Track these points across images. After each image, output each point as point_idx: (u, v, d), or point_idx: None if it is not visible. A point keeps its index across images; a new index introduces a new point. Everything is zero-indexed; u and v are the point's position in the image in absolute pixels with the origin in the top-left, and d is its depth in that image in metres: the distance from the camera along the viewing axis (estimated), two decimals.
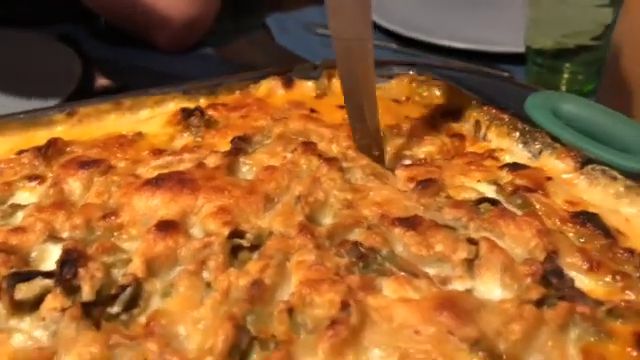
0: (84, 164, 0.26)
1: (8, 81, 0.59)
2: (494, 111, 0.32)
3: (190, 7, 0.64)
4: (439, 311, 0.19)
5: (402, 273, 0.21)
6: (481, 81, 0.34)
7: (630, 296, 0.21)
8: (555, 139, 0.30)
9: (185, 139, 0.30)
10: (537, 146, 0.30)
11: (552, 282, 0.21)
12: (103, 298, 0.20)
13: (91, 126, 0.30)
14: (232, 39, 0.72)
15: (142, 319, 0.20)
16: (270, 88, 0.33)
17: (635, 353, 0.19)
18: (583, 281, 0.22)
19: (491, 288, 0.21)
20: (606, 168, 0.27)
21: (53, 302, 0.19)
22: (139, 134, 0.30)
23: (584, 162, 0.28)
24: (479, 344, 0.19)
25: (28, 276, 0.20)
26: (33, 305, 0.20)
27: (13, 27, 0.68)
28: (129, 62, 0.63)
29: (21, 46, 0.65)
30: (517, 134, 0.31)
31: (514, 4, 0.59)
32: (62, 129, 0.30)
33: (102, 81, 0.59)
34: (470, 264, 0.22)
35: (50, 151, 0.27)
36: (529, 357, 0.19)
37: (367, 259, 0.21)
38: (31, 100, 0.53)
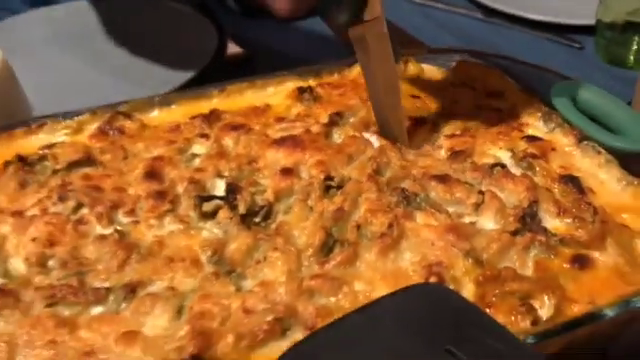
0: (234, 127, 0.40)
1: (153, 47, 0.67)
2: (526, 95, 0.42)
3: None
4: (448, 233, 0.31)
5: (431, 209, 0.34)
6: (521, 69, 0.44)
7: (580, 233, 0.32)
8: (566, 120, 0.40)
9: (298, 108, 0.43)
10: (552, 125, 0.40)
11: (527, 221, 0.32)
12: (251, 212, 0.34)
13: (235, 99, 0.44)
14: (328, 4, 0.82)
15: (273, 226, 0.33)
16: (360, 72, 0.46)
17: (567, 265, 0.30)
18: (552, 222, 0.33)
19: (487, 222, 0.33)
20: (595, 145, 0.37)
21: (224, 214, 0.33)
22: (267, 105, 0.43)
23: (582, 139, 0.38)
24: (470, 254, 0.31)
25: (208, 198, 0.35)
26: (212, 214, 0.34)
27: None
28: (255, 32, 0.72)
29: (162, 14, 0.73)
30: (539, 114, 0.41)
31: None
32: (217, 101, 0.43)
33: (233, 49, 0.73)
34: (477, 206, 0.34)
35: (212, 118, 0.41)
36: (501, 263, 0.31)
37: (409, 199, 0.34)
38: (175, 65, 0.62)
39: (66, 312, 0.29)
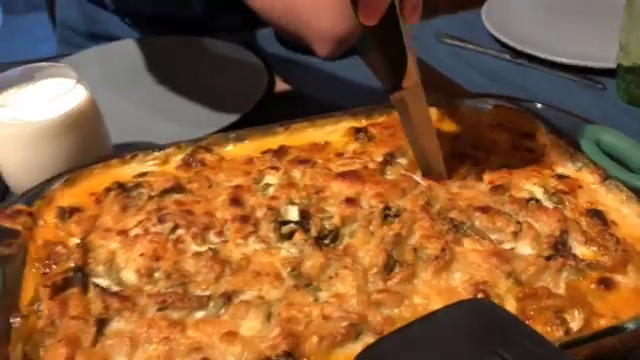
0: (300, 161, 0.46)
1: (205, 84, 0.73)
2: (556, 137, 0.48)
3: (341, 23, 0.73)
4: (492, 257, 0.37)
5: (476, 236, 0.39)
6: (552, 113, 0.50)
7: (605, 259, 0.37)
8: (591, 160, 0.46)
9: (354, 146, 0.49)
10: (579, 164, 0.46)
11: (558, 248, 0.38)
12: (322, 235, 0.40)
13: (298, 136, 0.50)
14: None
15: (341, 247, 0.39)
16: None
17: (594, 286, 0.36)
18: (580, 249, 0.38)
19: (524, 248, 0.39)
20: (618, 183, 0.43)
21: (299, 236, 0.39)
22: (327, 142, 0.49)
23: (606, 177, 0.44)
24: (511, 275, 0.36)
25: (285, 222, 0.41)
26: (289, 236, 0.40)
27: (194, 33, 0.83)
28: (302, 69, 0.78)
29: (214, 53, 0.79)
30: (568, 155, 0.47)
31: (613, 26, 0.71)
32: (282, 137, 0.50)
33: (281, 85, 0.80)
34: (515, 234, 0.39)
35: (280, 153, 0.47)
36: (537, 283, 0.36)
37: (457, 227, 0.40)
38: (228, 101, 0.67)
39: (175, 315, 0.35)
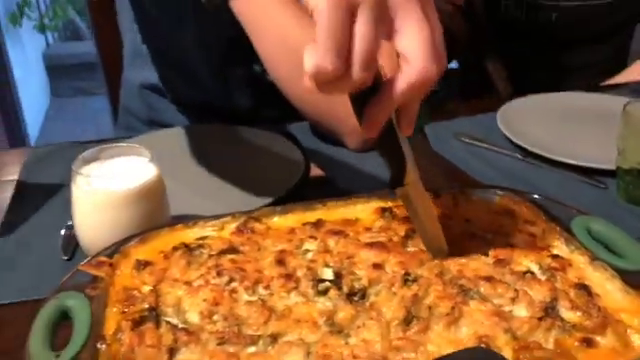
0: (334, 232, 0.55)
1: (248, 168, 0.83)
2: (553, 224, 0.57)
3: None
4: (493, 316, 0.45)
5: (481, 300, 0.47)
6: (550, 204, 0.59)
7: (588, 323, 0.45)
8: (582, 244, 0.54)
9: (381, 222, 0.58)
10: (572, 247, 0.53)
11: (549, 311, 0.45)
12: (352, 293, 0.48)
13: (333, 212, 0.59)
14: None
15: (367, 303, 0.47)
16: None
17: (577, 343, 0.43)
18: (567, 314, 0.46)
19: (520, 311, 0.46)
20: (604, 264, 0.51)
21: (333, 292, 0.48)
22: (357, 218, 0.58)
23: (594, 259, 0.52)
24: (508, 331, 0.44)
25: (322, 281, 0.49)
26: (324, 292, 0.48)
27: (241, 122, 0.93)
28: (335, 156, 0.88)
29: (256, 140, 0.90)
30: (562, 239, 0.55)
31: (613, 133, 0.80)
32: (320, 212, 0.59)
33: (316, 171, 0.90)
34: (513, 300, 0.47)
35: (318, 225, 0.56)
36: (530, 338, 0.43)
37: (465, 292, 0.47)
38: (266, 184, 0.75)
39: (231, 349, 0.43)
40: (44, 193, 0.83)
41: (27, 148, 1.08)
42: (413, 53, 0.41)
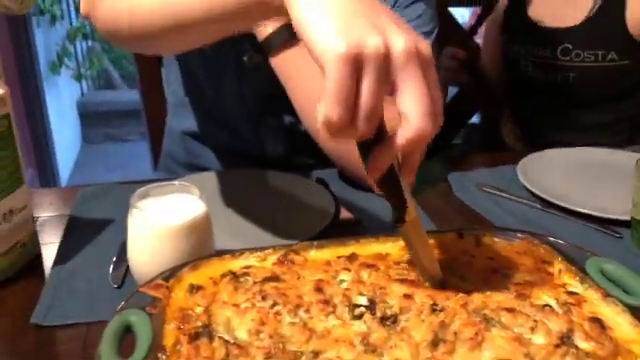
0: (367, 265, 0.60)
1: (282, 210, 0.89)
2: (569, 264, 0.61)
3: None
4: (514, 341, 0.49)
5: (502, 328, 0.52)
6: (565, 247, 0.64)
7: (600, 352, 0.49)
8: (596, 282, 0.58)
9: (408, 257, 0.64)
10: (586, 285, 0.58)
11: (565, 340, 0.50)
12: (384, 318, 0.53)
13: (366, 247, 0.65)
14: (423, 189, 1.06)
15: (398, 328, 0.52)
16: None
17: None
18: (582, 343, 0.50)
19: (539, 339, 0.51)
20: (616, 300, 0.55)
21: (368, 317, 0.53)
22: (387, 253, 0.64)
23: (606, 295, 0.56)
24: (527, 355, 0.48)
25: (357, 306, 0.55)
26: (359, 317, 0.53)
27: (276, 168, 1.01)
28: (362, 200, 0.94)
29: (290, 184, 0.97)
30: (578, 277, 0.59)
31: (628, 185, 0.86)
32: (353, 247, 0.64)
33: (345, 214, 0.96)
34: (532, 329, 0.52)
35: (352, 258, 0.62)
36: None
37: (488, 321, 0.52)
38: (299, 226, 0.81)
39: None
40: (95, 228, 0.90)
41: (66, 188, 1.15)
42: (410, 112, 0.46)
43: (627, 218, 0.88)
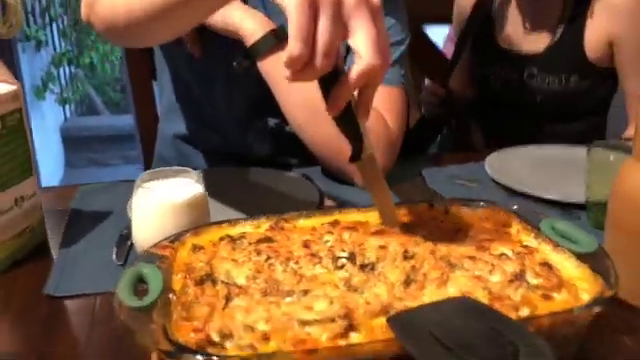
0: (348, 228, 0.69)
1: (268, 202, 0.96)
2: (525, 225, 0.70)
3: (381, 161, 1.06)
4: (474, 279, 0.58)
5: (464, 270, 0.60)
6: (524, 212, 0.73)
7: (548, 284, 0.58)
8: (548, 237, 0.67)
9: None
10: (539, 240, 0.67)
11: (518, 277, 0.59)
12: (363, 265, 0.62)
13: (347, 216, 0.73)
14: (400, 183, 1.15)
15: (376, 272, 0.61)
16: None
17: (539, 297, 0.56)
18: (532, 279, 0.59)
19: (495, 278, 0.59)
20: (564, 248, 0.64)
21: (349, 266, 0.61)
22: (367, 221, 0.71)
23: (556, 246, 0.65)
24: (485, 289, 0.57)
25: (339, 257, 0.63)
26: (341, 266, 0.62)
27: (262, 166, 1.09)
28: (345, 191, 1.03)
29: (275, 179, 1.04)
30: (532, 235, 0.68)
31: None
32: (337, 216, 0.72)
33: (328, 203, 1.04)
34: (490, 271, 0.60)
35: (334, 224, 0.70)
36: (502, 293, 0.56)
37: (452, 266, 0.61)
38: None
39: (271, 298, 0.56)
40: (96, 218, 0.97)
41: (64, 187, 1.23)
42: (362, 50, 0.53)
43: (583, 201, 0.97)
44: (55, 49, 4.15)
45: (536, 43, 1.45)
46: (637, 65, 1.39)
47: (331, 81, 0.57)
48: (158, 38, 0.90)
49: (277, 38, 1.00)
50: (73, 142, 4.55)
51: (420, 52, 1.74)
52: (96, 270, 0.82)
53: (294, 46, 0.52)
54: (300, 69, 0.54)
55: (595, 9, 1.38)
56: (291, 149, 1.18)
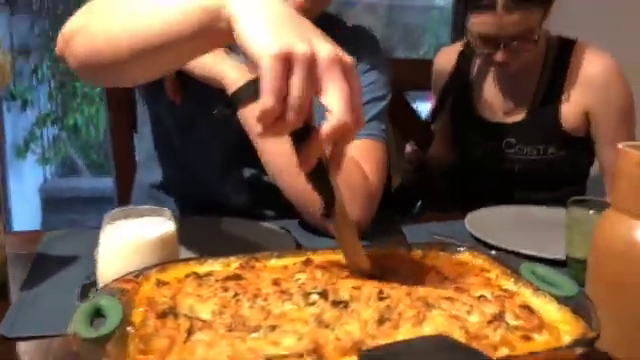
0: (321, 267, 0.66)
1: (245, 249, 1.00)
2: (504, 269, 0.68)
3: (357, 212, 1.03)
4: (451, 318, 0.55)
5: (442, 310, 0.57)
6: (502, 256, 0.71)
7: (528, 326, 0.55)
8: (529, 281, 0.65)
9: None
10: (520, 284, 0.64)
11: (497, 317, 0.56)
12: (336, 302, 0.59)
13: (321, 256, 0.70)
14: (380, 238, 1.12)
15: (349, 310, 0.58)
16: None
17: (518, 338, 0.53)
18: (512, 321, 0.56)
19: (474, 318, 0.57)
20: (545, 292, 0.62)
21: (321, 302, 0.58)
22: (341, 261, 0.70)
23: (537, 289, 0.63)
24: (462, 328, 0.54)
25: (311, 294, 0.60)
26: (312, 304, 0.59)
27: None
28: (320, 244, 1.00)
29: (251, 231, 1.02)
30: (512, 280, 0.66)
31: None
32: (310, 255, 0.70)
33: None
34: (469, 312, 0.57)
35: (307, 262, 0.67)
36: (484, 332, 0.53)
37: (429, 306, 0.58)
38: None
39: (237, 333, 0.52)
40: (61, 262, 0.93)
41: (30, 232, 1.19)
42: (334, 106, 0.54)
43: (563, 258, 0.95)
44: (40, 110, 4.16)
45: (514, 113, 1.48)
46: (612, 136, 1.41)
47: (302, 137, 0.57)
48: (133, 79, 0.90)
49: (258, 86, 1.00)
50: (53, 203, 4.48)
51: (402, 119, 1.77)
52: (56, 313, 0.77)
53: (266, 99, 0.53)
54: (272, 123, 0.54)
55: (571, 81, 1.42)
56: (269, 200, 1.16)
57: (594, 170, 1.56)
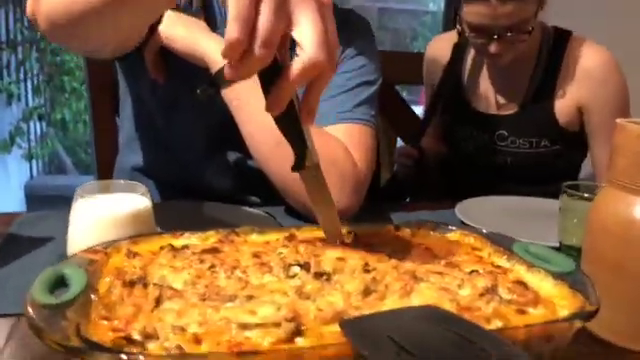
0: (304, 241, 0.62)
1: None
2: (497, 247, 0.65)
3: (343, 200, 0.98)
4: (440, 290, 0.52)
5: (430, 283, 0.54)
6: (494, 236, 0.67)
7: (522, 300, 0.51)
8: (522, 259, 0.62)
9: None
10: (513, 261, 0.61)
11: (489, 291, 0.52)
12: (318, 274, 0.55)
13: (305, 232, 0.67)
14: (367, 220, 1.09)
15: (332, 282, 0.54)
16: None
17: (512, 311, 0.49)
18: (505, 295, 0.53)
19: (465, 292, 0.53)
20: (539, 268, 0.58)
21: (302, 273, 0.54)
22: (323, 238, 0.66)
23: (531, 266, 0.59)
24: (453, 300, 0.50)
25: (291, 265, 0.56)
26: (293, 276, 0.55)
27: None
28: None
29: (234, 216, 0.96)
30: (505, 257, 0.63)
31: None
32: (295, 232, 0.66)
33: None
34: (460, 285, 0.54)
35: (290, 237, 0.63)
36: (476, 305, 0.50)
37: (417, 279, 0.55)
38: None
39: (210, 303, 0.49)
40: (33, 243, 0.88)
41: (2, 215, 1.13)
42: (305, 42, 0.49)
43: (557, 244, 0.92)
44: (27, 104, 4.10)
45: (507, 106, 1.45)
46: (606, 131, 1.38)
47: (272, 76, 0.52)
48: (102, 38, 0.85)
49: None
50: (37, 200, 4.41)
51: (393, 112, 1.73)
52: (23, 292, 0.73)
53: (232, 28, 0.47)
54: (239, 60, 0.49)
55: (566, 74, 1.39)
56: (253, 186, 1.12)
57: (586, 168, 1.54)
